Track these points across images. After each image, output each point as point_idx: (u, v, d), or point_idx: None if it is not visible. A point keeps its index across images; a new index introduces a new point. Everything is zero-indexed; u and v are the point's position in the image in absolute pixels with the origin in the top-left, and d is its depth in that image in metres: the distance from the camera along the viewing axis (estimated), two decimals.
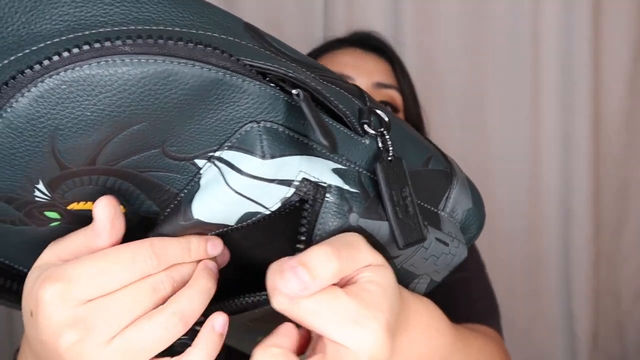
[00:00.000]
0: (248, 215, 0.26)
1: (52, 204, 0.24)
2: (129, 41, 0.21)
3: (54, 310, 0.23)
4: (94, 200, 0.24)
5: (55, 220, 0.25)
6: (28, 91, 0.20)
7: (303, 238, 0.27)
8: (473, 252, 0.73)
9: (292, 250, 0.27)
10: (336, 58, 0.78)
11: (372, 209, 0.28)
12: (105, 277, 0.23)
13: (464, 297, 0.62)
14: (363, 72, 0.74)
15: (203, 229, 0.26)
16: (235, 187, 0.25)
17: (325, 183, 0.26)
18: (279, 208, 0.26)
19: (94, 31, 0.22)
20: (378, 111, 0.30)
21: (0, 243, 0.26)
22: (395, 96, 0.75)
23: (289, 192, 0.26)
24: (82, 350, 0.23)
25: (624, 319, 1.22)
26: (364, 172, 0.28)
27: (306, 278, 0.23)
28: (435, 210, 0.33)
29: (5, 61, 0.21)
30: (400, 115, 0.76)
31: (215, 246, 0.27)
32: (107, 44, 0.21)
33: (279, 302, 0.24)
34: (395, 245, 0.28)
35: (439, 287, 0.37)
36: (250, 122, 0.24)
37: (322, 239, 0.26)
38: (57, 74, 0.20)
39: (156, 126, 0.23)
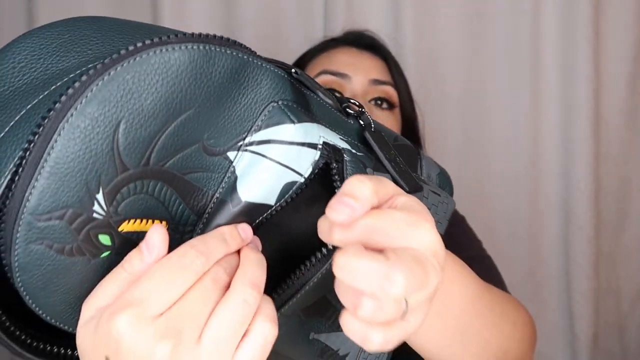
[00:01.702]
0: (287, 187, 0.29)
1: (107, 222, 0.25)
2: (173, 35, 0.25)
3: (136, 333, 0.23)
4: (143, 217, 0.26)
5: (107, 248, 0.26)
6: (96, 86, 0.23)
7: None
8: (468, 230, 0.75)
9: None
10: (333, 57, 0.79)
11: (379, 167, 0.33)
12: (166, 288, 0.24)
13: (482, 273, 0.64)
14: (360, 70, 0.76)
15: (250, 215, 0.29)
16: (275, 158, 0.29)
17: (340, 146, 0.31)
18: (310, 174, 0.30)
19: (138, 35, 0.27)
20: (351, 100, 0.37)
21: (52, 291, 0.25)
22: (391, 92, 0.77)
23: (316, 155, 0.30)
24: (178, 356, 0.24)
25: (624, 319, 1.22)
26: (358, 143, 0.34)
27: (351, 202, 0.25)
28: (417, 174, 0.39)
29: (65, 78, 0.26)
30: (396, 110, 0.78)
31: (244, 230, 0.29)
32: (156, 39, 0.24)
33: (337, 235, 0.26)
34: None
35: None
36: (271, 102, 0.29)
37: None
38: (122, 65, 0.23)
39: (201, 113, 0.26)
